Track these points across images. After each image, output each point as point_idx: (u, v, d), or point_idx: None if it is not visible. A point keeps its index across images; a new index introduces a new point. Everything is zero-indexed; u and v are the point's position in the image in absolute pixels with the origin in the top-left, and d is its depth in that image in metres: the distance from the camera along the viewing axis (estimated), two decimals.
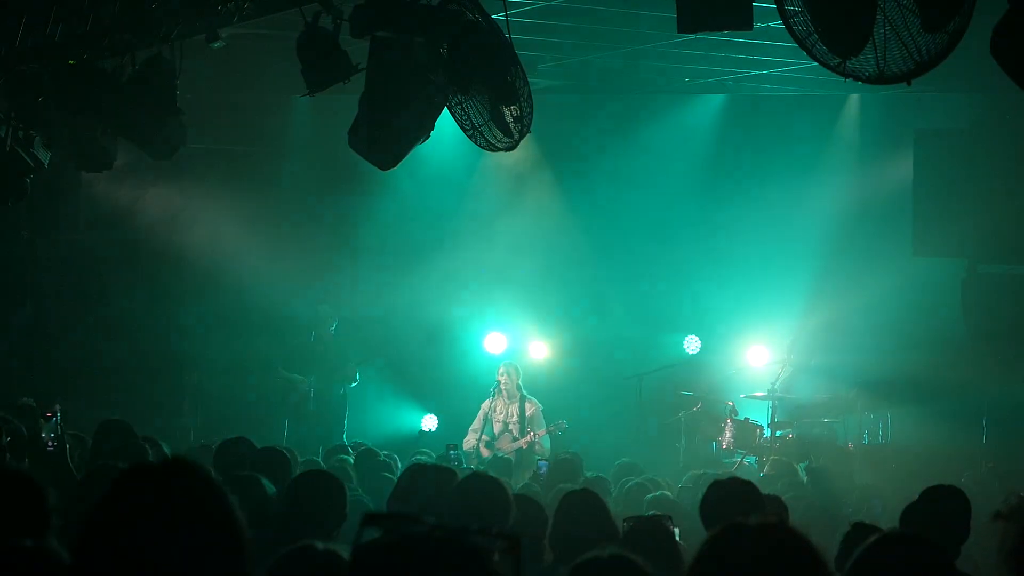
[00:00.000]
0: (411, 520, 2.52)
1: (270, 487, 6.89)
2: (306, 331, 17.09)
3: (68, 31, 11.66)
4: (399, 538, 2.49)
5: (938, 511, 6.50)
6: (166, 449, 9.76)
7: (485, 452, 15.50)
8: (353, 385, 17.00)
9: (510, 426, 15.70)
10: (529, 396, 15.86)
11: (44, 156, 12.90)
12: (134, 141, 12.20)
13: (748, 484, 6.72)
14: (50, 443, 8.68)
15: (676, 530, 6.48)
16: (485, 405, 15.90)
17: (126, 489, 2.90)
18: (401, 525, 2.52)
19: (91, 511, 2.86)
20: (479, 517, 5.85)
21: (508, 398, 15.80)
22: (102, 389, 16.31)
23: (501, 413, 15.78)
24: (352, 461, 11.47)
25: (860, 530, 5.66)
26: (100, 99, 11.67)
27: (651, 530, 6.18)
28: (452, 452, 12.79)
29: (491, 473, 6.86)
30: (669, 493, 10.23)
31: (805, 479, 13.21)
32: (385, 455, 11.61)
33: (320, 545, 3.35)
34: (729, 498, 6.47)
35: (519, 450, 15.37)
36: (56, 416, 8.80)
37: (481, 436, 15.75)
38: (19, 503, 4.12)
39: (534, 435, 15.54)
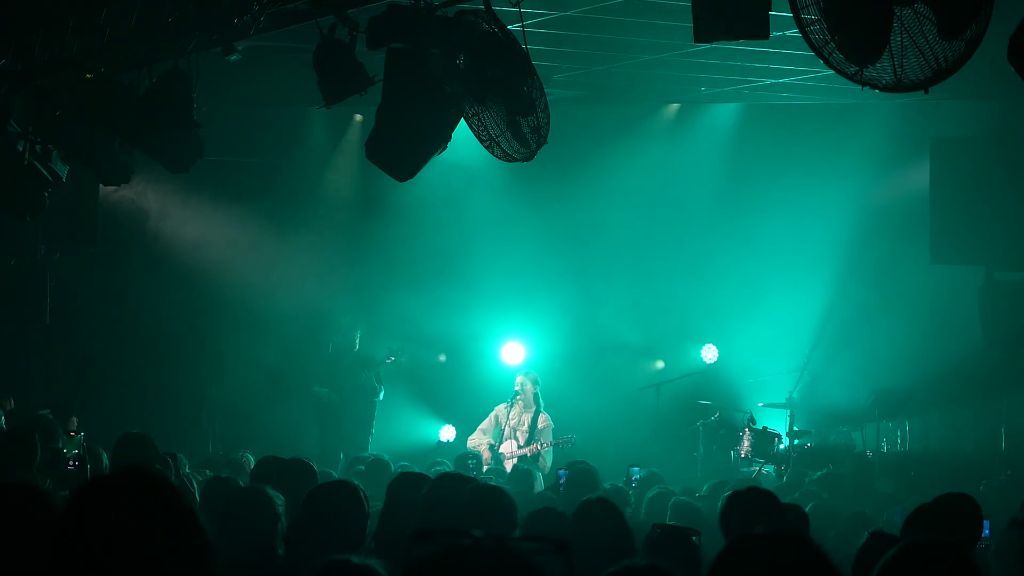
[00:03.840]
0: (458, 534, 2.52)
1: (278, 498, 6.80)
2: (329, 345, 17.10)
3: (85, 45, 11.69)
4: (448, 551, 2.48)
5: (948, 517, 6.49)
6: (186, 465, 9.75)
7: (487, 454, 15.43)
8: (380, 398, 16.97)
9: (518, 433, 15.65)
10: (544, 410, 15.82)
11: (62, 170, 12.93)
12: (151, 154, 12.22)
13: (767, 494, 6.70)
14: (72, 463, 8.65)
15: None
16: (500, 408, 15.86)
17: (84, 500, 2.94)
18: (448, 539, 2.51)
19: (56, 523, 2.92)
20: (485, 525, 5.85)
21: (524, 407, 15.77)
22: (120, 401, 16.35)
23: (513, 419, 15.73)
24: (363, 470, 11.44)
25: (879, 539, 5.65)
26: (118, 112, 11.69)
27: (678, 541, 6.18)
28: (471, 462, 12.77)
29: (511, 483, 6.84)
30: (687, 498, 10.20)
31: (824, 488, 13.16)
32: (400, 466, 11.59)
33: (356, 560, 3.33)
34: (748, 508, 6.46)
35: (522, 458, 15.31)
36: (80, 435, 8.79)
37: (487, 438, 15.72)
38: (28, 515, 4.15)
39: (539, 446, 15.49)
